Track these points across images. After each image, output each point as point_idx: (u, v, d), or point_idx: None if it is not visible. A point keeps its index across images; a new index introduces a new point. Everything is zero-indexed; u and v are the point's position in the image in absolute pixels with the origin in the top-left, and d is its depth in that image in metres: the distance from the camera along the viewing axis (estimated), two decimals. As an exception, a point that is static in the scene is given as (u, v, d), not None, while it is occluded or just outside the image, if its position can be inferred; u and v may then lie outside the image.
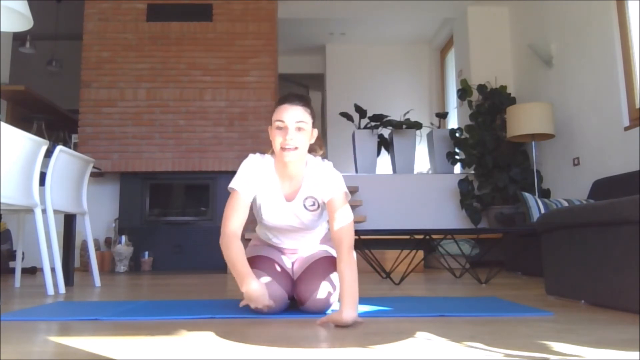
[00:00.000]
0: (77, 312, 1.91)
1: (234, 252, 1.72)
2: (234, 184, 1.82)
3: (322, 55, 7.75)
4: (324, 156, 1.97)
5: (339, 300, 1.64)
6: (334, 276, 1.87)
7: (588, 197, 3.83)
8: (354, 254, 1.73)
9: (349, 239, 1.72)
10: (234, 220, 1.77)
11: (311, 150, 1.89)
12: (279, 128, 1.74)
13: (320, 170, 1.85)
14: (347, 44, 7.49)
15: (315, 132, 1.84)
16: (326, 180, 1.82)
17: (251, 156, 1.88)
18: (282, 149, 1.73)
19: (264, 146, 2.13)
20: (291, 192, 1.87)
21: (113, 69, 5.18)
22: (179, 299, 2.39)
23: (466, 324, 1.61)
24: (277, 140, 1.74)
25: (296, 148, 1.73)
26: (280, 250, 2.04)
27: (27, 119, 4.99)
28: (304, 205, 1.87)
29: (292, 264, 2.01)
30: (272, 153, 1.89)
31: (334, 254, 1.97)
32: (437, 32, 7.19)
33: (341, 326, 1.55)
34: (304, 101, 1.78)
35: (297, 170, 1.83)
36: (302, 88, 7.68)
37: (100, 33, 5.23)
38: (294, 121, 1.72)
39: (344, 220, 1.75)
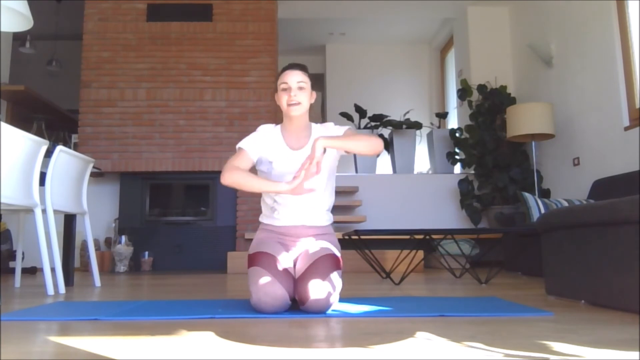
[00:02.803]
0: (77, 312, 1.91)
1: (239, 175, 1.91)
2: (241, 143, 2.04)
3: (322, 55, 7.75)
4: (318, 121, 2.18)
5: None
6: (334, 276, 1.87)
7: (588, 197, 3.83)
8: (375, 141, 1.95)
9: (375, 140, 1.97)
10: (233, 163, 1.96)
11: (312, 118, 2.12)
12: (283, 89, 2.00)
13: (323, 127, 2.11)
14: (347, 44, 7.50)
15: (314, 94, 2.08)
16: (331, 127, 2.09)
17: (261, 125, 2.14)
18: (289, 105, 1.99)
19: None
20: (299, 146, 2.06)
21: (113, 69, 5.18)
22: (179, 299, 2.39)
23: (466, 324, 1.61)
24: (283, 100, 2.00)
25: (299, 103, 1.99)
26: (283, 242, 2.03)
27: (27, 119, 4.99)
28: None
29: (294, 261, 2.01)
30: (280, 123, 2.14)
31: (336, 252, 2.00)
32: (437, 32, 7.20)
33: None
34: (302, 67, 2.06)
35: (302, 126, 2.06)
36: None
37: (100, 33, 5.23)
38: (296, 82, 2.00)
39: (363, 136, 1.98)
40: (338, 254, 2.01)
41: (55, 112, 5.42)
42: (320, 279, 1.82)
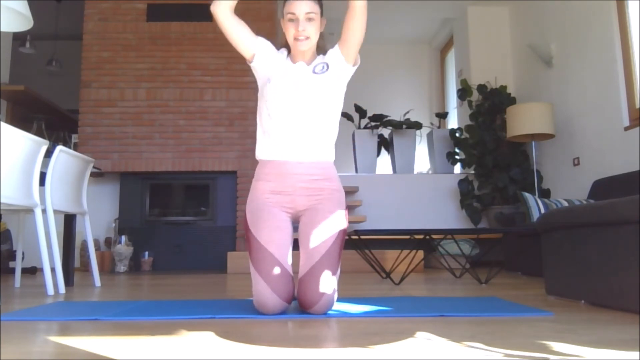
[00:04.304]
0: (77, 312, 1.91)
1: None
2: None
3: (321, 55, 7.74)
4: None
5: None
6: (336, 275, 1.85)
7: (588, 197, 3.83)
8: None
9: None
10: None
11: (320, 48, 1.99)
12: (290, 20, 1.85)
13: (328, 53, 1.99)
14: (347, 44, 7.48)
15: (324, 21, 1.93)
16: (334, 51, 1.96)
17: None
18: (295, 39, 1.86)
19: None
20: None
21: (113, 69, 5.18)
22: (179, 299, 2.39)
23: (466, 324, 1.61)
24: (290, 32, 1.86)
25: (308, 38, 1.86)
26: (282, 199, 1.88)
27: (27, 119, 5.00)
28: (313, 70, 1.91)
29: (297, 219, 1.90)
30: (285, 46, 2.00)
31: (339, 225, 1.87)
32: (437, 32, 7.19)
33: None
34: None
35: (308, 57, 1.95)
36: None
37: (100, 33, 5.23)
38: (304, 12, 1.83)
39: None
40: (341, 224, 1.86)
41: (55, 112, 5.42)
42: (325, 283, 1.79)
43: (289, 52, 1.99)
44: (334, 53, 1.95)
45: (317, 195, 1.91)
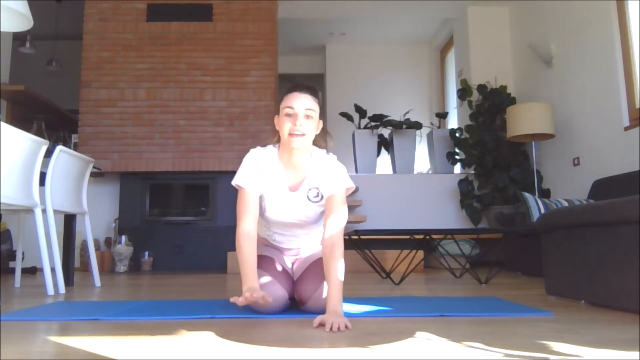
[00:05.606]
0: (77, 312, 1.91)
1: (245, 254, 1.77)
2: (239, 180, 1.83)
3: (322, 55, 7.75)
4: (330, 149, 1.98)
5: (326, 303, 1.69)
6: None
7: (588, 197, 3.83)
8: (342, 249, 1.78)
9: (341, 244, 1.78)
10: (247, 219, 1.80)
11: (317, 143, 1.92)
12: (288, 115, 1.77)
13: (324, 162, 1.89)
14: (347, 44, 7.49)
15: (321, 122, 1.87)
16: (330, 172, 1.86)
17: (252, 150, 1.90)
18: (291, 134, 1.76)
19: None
20: (295, 183, 1.88)
21: (113, 69, 5.17)
22: (179, 299, 2.39)
23: (466, 324, 1.61)
24: (285, 127, 1.77)
25: (304, 134, 1.77)
26: (281, 251, 2.04)
27: (27, 119, 4.99)
28: (308, 197, 1.87)
29: (292, 263, 2.02)
30: (277, 142, 1.92)
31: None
32: (437, 32, 7.20)
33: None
34: (312, 91, 1.83)
35: (301, 160, 1.85)
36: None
37: (100, 33, 5.23)
38: (303, 108, 1.76)
39: (338, 224, 1.80)
40: None
41: (55, 112, 5.41)
42: (320, 279, 1.81)
43: (279, 146, 1.89)
44: (324, 189, 1.87)
45: None
